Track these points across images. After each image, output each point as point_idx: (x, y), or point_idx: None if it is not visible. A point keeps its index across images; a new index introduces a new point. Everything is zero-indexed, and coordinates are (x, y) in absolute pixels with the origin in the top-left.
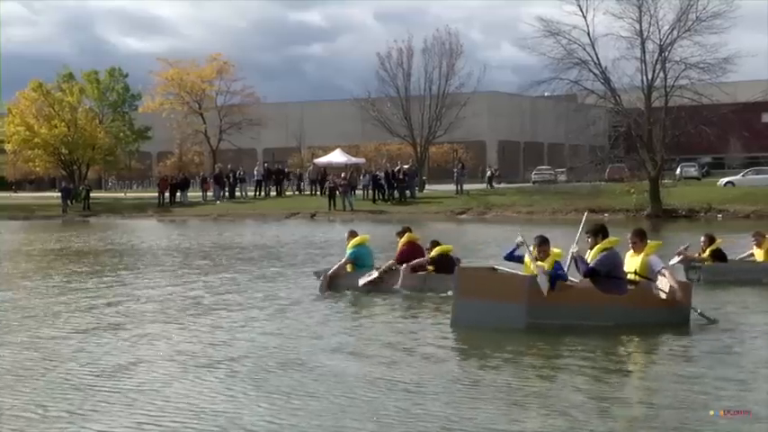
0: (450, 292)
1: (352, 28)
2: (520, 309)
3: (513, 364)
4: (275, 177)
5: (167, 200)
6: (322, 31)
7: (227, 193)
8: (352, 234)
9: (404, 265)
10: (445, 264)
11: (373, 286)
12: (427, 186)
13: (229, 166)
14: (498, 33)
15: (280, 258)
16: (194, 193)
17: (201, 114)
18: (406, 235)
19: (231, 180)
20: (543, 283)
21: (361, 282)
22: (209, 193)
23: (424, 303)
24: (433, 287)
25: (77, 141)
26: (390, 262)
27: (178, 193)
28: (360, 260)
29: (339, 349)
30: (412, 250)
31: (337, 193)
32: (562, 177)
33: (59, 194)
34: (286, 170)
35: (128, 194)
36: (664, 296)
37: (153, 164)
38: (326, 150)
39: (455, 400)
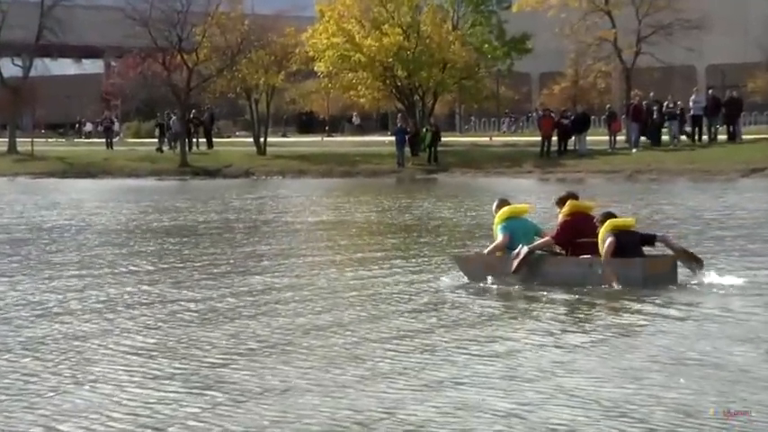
0: (615, 285)
1: None
2: None
3: None
4: (725, 111)
5: (555, 147)
6: None
7: (647, 138)
8: (502, 204)
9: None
10: (625, 245)
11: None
12: None
13: (651, 95)
14: None
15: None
16: (597, 138)
17: (609, 13)
18: (568, 203)
19: (654, 116)
20: None
21: (513, 266)
22: (621, 137)
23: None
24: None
25: (419, 58)
26: (546, 239)
27: (572, 138)
28: (514, 240)
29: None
30: (576, 223)
31: None
32: None
33: (393, 139)
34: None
35: (494, 139)
36: None
37: (532, 92)
38: None
39: None
